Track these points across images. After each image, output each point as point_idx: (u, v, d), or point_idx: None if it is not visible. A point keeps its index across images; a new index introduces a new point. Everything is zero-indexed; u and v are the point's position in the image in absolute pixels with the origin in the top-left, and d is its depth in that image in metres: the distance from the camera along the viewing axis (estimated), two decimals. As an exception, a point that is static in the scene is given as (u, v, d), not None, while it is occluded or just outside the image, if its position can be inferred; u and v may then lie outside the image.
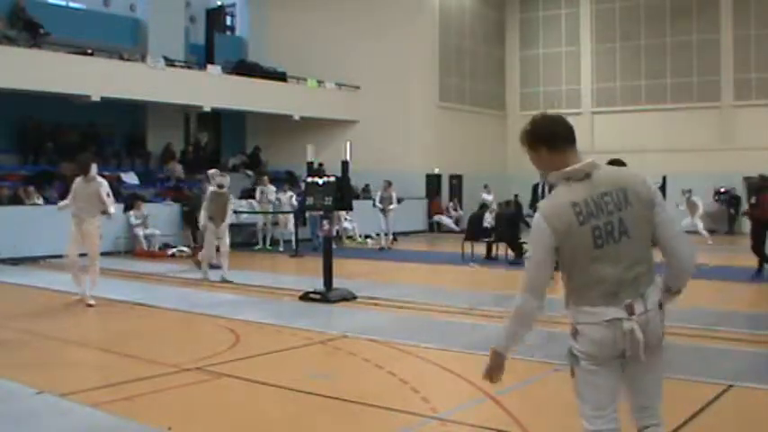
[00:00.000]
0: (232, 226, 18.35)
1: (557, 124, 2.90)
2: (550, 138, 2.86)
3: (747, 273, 12.17)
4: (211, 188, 12.48)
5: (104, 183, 9.90)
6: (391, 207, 18.39)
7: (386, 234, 18.45)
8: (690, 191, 18.97)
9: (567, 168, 2.81)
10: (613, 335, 2.75)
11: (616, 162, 6.55)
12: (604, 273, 2.76)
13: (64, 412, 5.07)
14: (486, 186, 22.16)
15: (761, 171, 21.33)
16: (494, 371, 3.11)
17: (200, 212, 12.39)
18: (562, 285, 2.96)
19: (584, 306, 2.82)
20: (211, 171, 13.54)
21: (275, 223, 18.80)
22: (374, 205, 18.63)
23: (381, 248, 18.00)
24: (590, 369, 2.82)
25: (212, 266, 12.54)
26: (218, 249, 12.34)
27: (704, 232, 18.57)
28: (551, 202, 2.85)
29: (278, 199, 18.28)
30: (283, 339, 7.59)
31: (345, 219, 19.47)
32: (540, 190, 13.53)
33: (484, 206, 17.76)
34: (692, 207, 18.60)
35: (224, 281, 11.98)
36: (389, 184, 18.80)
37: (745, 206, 19.78)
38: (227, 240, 12.37)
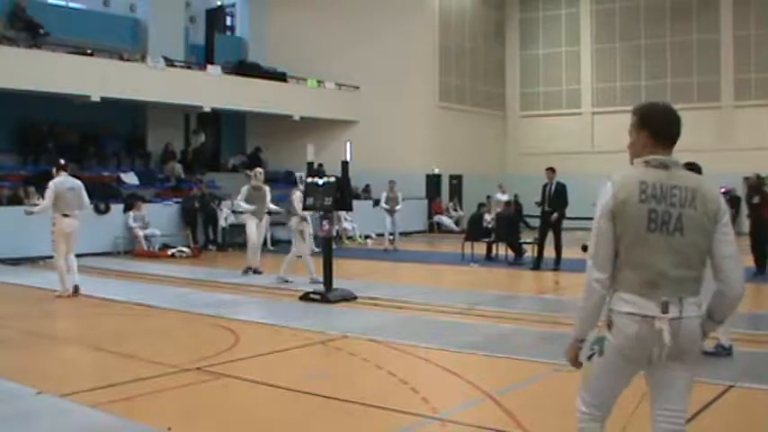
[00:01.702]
0: (233, 227, 18.56)
1: (670, 120, 2.93)
2: (660, 127, 2.91)
3: (748, 272, 12.17)
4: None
5: (50, 183, 10.38)
6: (398, 207, 18.29)
7: (391, 234, 18.33)
8: None
9: (651, 156, 2.88)
10: (645, 332, 2.77)
11: (690, 165, 6.54)
12: (650, 259, 2.79)
13: (64, 412, 5.07)
14: (500, 186, 21.90)
15: (761, 171, 21.37)
16: (568, 351, 3.07)
17: (295, 215, 11.93)
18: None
19: (623, 292, 2.83)
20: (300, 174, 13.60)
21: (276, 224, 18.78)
22: (380, 205, 18.49)
23: (386, 250, 17.82)
24: (611, 366, 2.88)
25: (256, 272, 12.81)
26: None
27: None
28: (623, 173, 2.89)
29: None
30: (283, 339, 7.59)
31: (345, 219, 19.47)
32: (547, 190, 13.56)
33: (483, 206, 17.73)
34: None
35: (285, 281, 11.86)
36: (395, 183, 18.72)
37: (745, 207, 19.72)
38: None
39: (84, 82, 17.61)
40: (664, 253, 2.78)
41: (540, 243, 13.65)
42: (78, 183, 10.53)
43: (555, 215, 13.34)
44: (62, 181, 10.30)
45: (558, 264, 13.37)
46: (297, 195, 12.00)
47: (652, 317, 2.75)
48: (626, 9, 25.53)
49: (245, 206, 12.96)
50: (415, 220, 23.11)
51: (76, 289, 10.35)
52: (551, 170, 13.77)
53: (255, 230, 12.95)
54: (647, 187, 2.80)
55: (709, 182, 2.94)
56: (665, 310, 2.75)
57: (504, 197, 20.95)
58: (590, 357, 2.93)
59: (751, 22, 23.53)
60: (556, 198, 13.42)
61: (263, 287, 11.52)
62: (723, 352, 6.58)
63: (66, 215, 10.20)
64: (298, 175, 12.90)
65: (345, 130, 23.69)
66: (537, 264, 13.58)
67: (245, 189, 13.12)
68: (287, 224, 12.52)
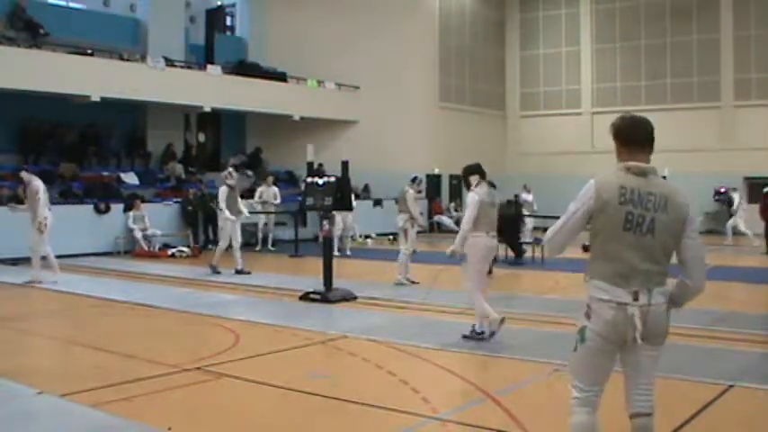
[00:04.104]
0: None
1: (634, 127, 3.31)
2: (625, 136, 3.30)
3: (748, 273, 12.17)
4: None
5: (40, 185, 11.95)
6: None
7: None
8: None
9: (632, 162, 3.24)
10: (620, 317, 3.14)
11: (472, 167, 7.79)
12: (623, 254, 3.15)
13: (64, 412, 5.07)
14: (525, 186, 20.88)
15: (761, 171, 21.27)
16: None
17: (405, 212, 11.88)
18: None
19: (599, 280, 3.20)
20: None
21: (278, 223, 18.86)
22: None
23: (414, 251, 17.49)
24: (594, 350, 3.21)
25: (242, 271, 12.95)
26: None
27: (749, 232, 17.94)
28: (607, 177, 3.26)
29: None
30: (283, 339, 7.59)
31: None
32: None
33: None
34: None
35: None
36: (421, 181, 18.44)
37: (745, 206, 19.71)
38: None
39: (84, 82, 17.60)
40: (635, 250, 3.15)
41: None
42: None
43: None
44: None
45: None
46: (410, 194, 12.00)
47: (625, 303, 3.13)
48: (626, 9, 25.52)
49: (227, 213, 12.94)
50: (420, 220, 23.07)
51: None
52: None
53: (238, 231, 13.10)
54: (626, 192, 3.16)
55: (681, 190, 3.28)
56: (635, 298, 3.13)
57: (530, 197, 20.52)
58: (575, 348, 3.28)
59: (751, 22, 23.52)
60: None
61: (263, 287, 11.53)
62: (476, 336, 7.25)
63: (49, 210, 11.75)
64: (417, 176, 12.67)
65: (345, 130, 23.68)
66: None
67: (223, 190, 13.08)
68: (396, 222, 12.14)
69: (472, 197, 7.38)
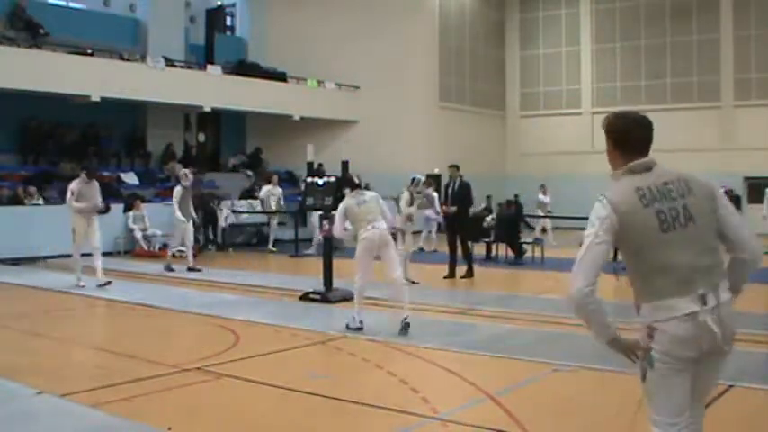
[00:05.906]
0: (233, 226, 18.70)
1: (637, 128, 2.93)
2: (626, 138, 2.92)
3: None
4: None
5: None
6: None
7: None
8: None
9: (631, 163, 2.87)
10: (694, 330, 2.70)
11: (344, 182, 8.50)
12: (676, 259, 2.73)
13: (64, 412, 5.07)
14: (542, 187, 20.57)
15: (761, 171, 21.27)
16: (627, 352, 2.85)
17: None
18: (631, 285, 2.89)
19: (656, 300, 2.75)
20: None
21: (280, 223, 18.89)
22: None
23: (423, 251, 17.66)
24: (667, 372, 2.75)
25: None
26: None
27: None
28: (616, 188, 2.85)
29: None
30: (283, 339, 7.59)
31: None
32: (450, 189, 13.20)
33: (486, 209, 17.67)
34: None
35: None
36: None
37: (746, 206, 19.72)
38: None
39: (84, 82, 17.60)
40: (686, 247, 2.74)
41: (452, 245, 12.74)
42: None
43: (453, 208, 12.56)
44: None
45: (470, 270, 12.48)
46: (404, 195, 12.29)
47: (694, 312, 2.70)
48: (626, 9, 25.52)
49: (178, 215, 13.49)
50: (415, 220, 23.03)
51: None
52: (455, 168, 13.00)
53: (190, 232, 13.66)
54: (644, 192, 2.79)
55: (691, 172, 2.95)
56: (704, 302, 2.71)
57: (547, 198, 20.31)
58: (644, 377, 2.81)
59: (751, 22, 23.52)
60: (459, 198, 12.71)
61: (263, 287, 11.52)
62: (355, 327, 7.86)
63: None
64: (415, 177, 12.84)
65: (345, 130, 23.67)
66: (452, 271, 12.44)
67: (177, 191, 13.54)
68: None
69: (340, 207, 8.24)
